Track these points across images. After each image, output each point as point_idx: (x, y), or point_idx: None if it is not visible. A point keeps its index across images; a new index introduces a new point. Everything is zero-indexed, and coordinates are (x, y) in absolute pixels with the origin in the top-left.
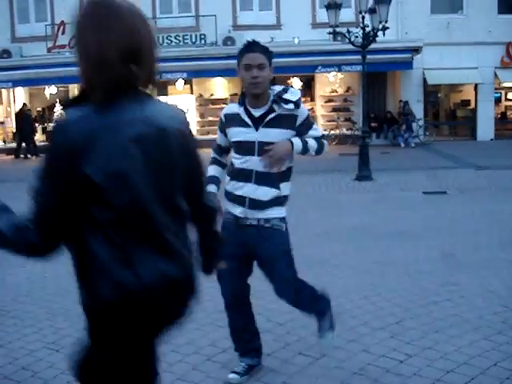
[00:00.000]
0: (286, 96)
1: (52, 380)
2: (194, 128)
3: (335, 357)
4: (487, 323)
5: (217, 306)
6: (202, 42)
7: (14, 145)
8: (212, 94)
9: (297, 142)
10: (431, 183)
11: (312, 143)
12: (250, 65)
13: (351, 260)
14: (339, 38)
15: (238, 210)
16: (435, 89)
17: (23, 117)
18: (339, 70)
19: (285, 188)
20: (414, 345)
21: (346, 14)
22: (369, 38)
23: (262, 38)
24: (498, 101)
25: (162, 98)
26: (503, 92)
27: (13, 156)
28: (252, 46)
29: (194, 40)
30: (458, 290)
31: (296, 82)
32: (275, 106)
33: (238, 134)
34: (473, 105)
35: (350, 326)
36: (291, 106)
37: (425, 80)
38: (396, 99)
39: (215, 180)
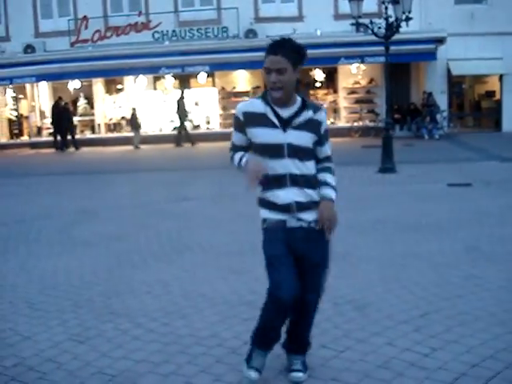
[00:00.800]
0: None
1: (77, 371)
2: (216, 121)
3: (359, 350)
4: None
5: (241, 298)
6: (224, 34)
7: (38, 139)
8: (234, 87)
9: (330, 192)
10: (456, 175)
11: (331, 179)
12: (269, 68)
13: (375, 252)
14: (362, 29)
15: (285, 217)
16: (459, 80)
17: (60, 110)
18: (362, 62)
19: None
20: (439, 338)
21: (369, 5)
22: (392, 28)
23: (284, 30)
24: None
25: (185, 91)
26: None
27: (54, 149)
28: (275, 48)
29: (215, 33)
30: (483, 284)
31: (318, 74)
32: (304, 109)
33: (263, 135)
34: (498, 96)
35: (374, 319)
36: (320, 111)
37: (449, 71)
38: (420, 90)
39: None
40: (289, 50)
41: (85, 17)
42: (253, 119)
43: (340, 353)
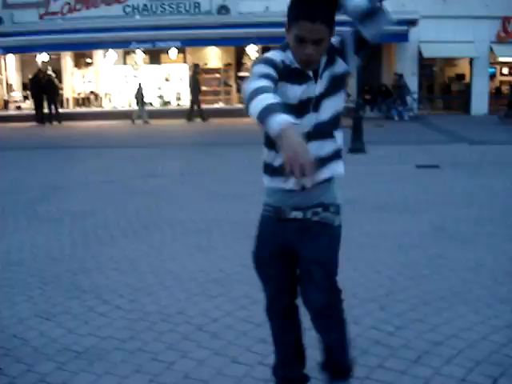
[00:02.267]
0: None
1: (42, 348)
2: (186, 97)
3: None
4: (476, 297)
5: (207, 276)
6: (196, 10)
7: (4, 112)
8: (206, 64)
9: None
10: (424, 157)
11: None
12: (303, 38)
13: (342, 232)
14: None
15: (289, 184)
16: (430, 62)
17: (40, 83)
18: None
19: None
20: (403, 317)
21: None
22: None
23: (257, 7)
24: (492, 76)
25: (155, 67)
26: (498, 67)
27: (34, 123)
28: (314, 11)
29: (187, 8)
30: (448, 264)
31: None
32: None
33: (292, 92)
34: (467, 79)
35: None
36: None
37: (420, 53)
38: (391, 72)
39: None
40: (330, 13)
41: None
42: (284, 73)
43: (306, 330)
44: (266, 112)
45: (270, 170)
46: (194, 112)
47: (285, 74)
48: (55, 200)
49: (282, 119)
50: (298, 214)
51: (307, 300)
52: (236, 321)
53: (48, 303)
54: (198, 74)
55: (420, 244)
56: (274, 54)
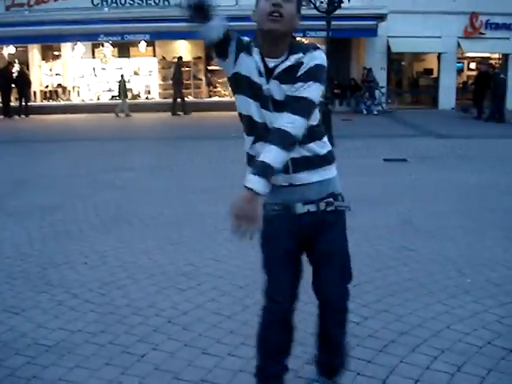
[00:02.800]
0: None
1: (12, 342)
2: (156, 91)
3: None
4: (441, 288)
5: (178, 269)
6: (166, 3)
7: None
8: (175, 57)
9: (253, 179)
10: (392, 151)
11: (272, 154)
12: None
13: None
14: (304, 3)
15: (278, 179)
16: (399, 57)
17: (8, 76)
18: (304, 36)
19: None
20: (370, 307)
21: None
22: (334, 3)
23: (227, 0)
24: (460, 71)
25: (124, 61)
26: (466, 62)
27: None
28: None
29: (157, 1)
30: (414, 256)
31: None
32: (290, 56)
33: (250, 73)
34: (435, 74)
35: (305, 290)
36: (301, 54)
37: (389, 48)
38: (360, 66)
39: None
40: None
41: None
42: (246, 52)
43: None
44: (272, 171)
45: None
46: (178, 105)
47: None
48: (23, 194)
49: (253, 182)
50: (311, 207)
51: (327, 297)
52: (206, 313)
53: (17, 298)
54: (180, 67)
55: (387, 236)
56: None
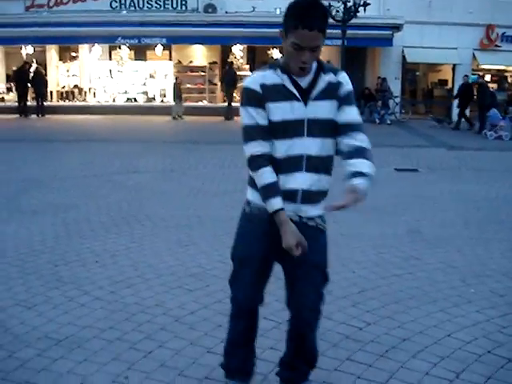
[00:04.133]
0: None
1: (23, 335)
2: (171, 94)
3: None
4: (444, 296)
5: (186, 270)
6: (183, 7)
7: None
8: (191, 61)
9: (361, 182)
10: (403, 160)
11: (366, 164)
12: (300, 46)
13: None
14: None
15: (287, 208)
16: (414, 67)
17: (35, 74)
18: None
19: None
20: (374, 313)
21: None
22: (350, 12)
23: (244, 7)
24: (475, 83)
25: (141, 63)
26: (481, 74)
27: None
28: (312, 20)
29: (174, 5)
30: (420, 265)
31: (276, 54)
32: (321, 73)
33: (284, 110)
34: (450, 85)
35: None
36: (339, 73)
37: (404, 58)
38: (374, 75)
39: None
40: (325, 21)
41: None
42: (272, 92)
43: (279, 324)
44: (265, 192)
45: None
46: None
47: (271, 93)
48: (38, 193)
49: (274, 205)
50: (293, 216)
51: (303, 302)
52: (212, 313)
53: (29, 293)
54: (232, 70)
55: (395, 245)
56: (259, 76)
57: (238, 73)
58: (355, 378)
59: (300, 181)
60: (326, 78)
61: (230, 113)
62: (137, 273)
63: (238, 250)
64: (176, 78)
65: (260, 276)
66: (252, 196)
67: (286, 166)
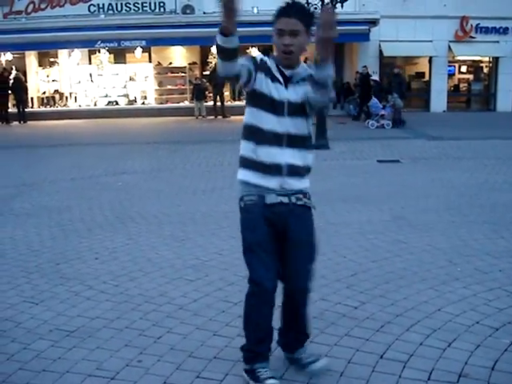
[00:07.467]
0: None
1: (35, 329)
2: (152, 96)
3: None
4: (433, 275)
5: (185, 263)
6: (161, 9)
7: None
8: (171, 63)
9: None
10: (385, 152)
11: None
12: (282, 30)
13: None
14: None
15: (272, 182)
16: (391, 61)
17: (14, 81)
18: None
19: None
20: (367, 294)
21: None
22: None
23: (245, 6)
24: (451, 74)
25: (121, 67)
26: (457, 65)
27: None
28: (288, 10)
29: (152, 8)
30: (407, 248)
31: (255, 52)
32: (302, 70)
33: (268, 86)
34: (427, 77)
35: None
36: (308, 70)
37: (381, 52)
38: (353, 70)
39: None
40: (302, 13)
41: None
42: (263, 68)
43: (278, 307)
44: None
45: (251, 164)
46: (218, 110)
47: (262, 67)
48: (29, 197)
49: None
50: (283, 199)
51: (295, 280)
52: (215, 300)
53: (35, 290)
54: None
55: (381, 231)
56: (259, 55)
57: None
58: (354, 350)
59: (286, 156)
60: (304, 74)
61: (222, 111)
62: (137, 267)
63: (247, 239)
64: (195, 79)
65: (273, 255)
66: (245, 176)
67: (269, 139)
